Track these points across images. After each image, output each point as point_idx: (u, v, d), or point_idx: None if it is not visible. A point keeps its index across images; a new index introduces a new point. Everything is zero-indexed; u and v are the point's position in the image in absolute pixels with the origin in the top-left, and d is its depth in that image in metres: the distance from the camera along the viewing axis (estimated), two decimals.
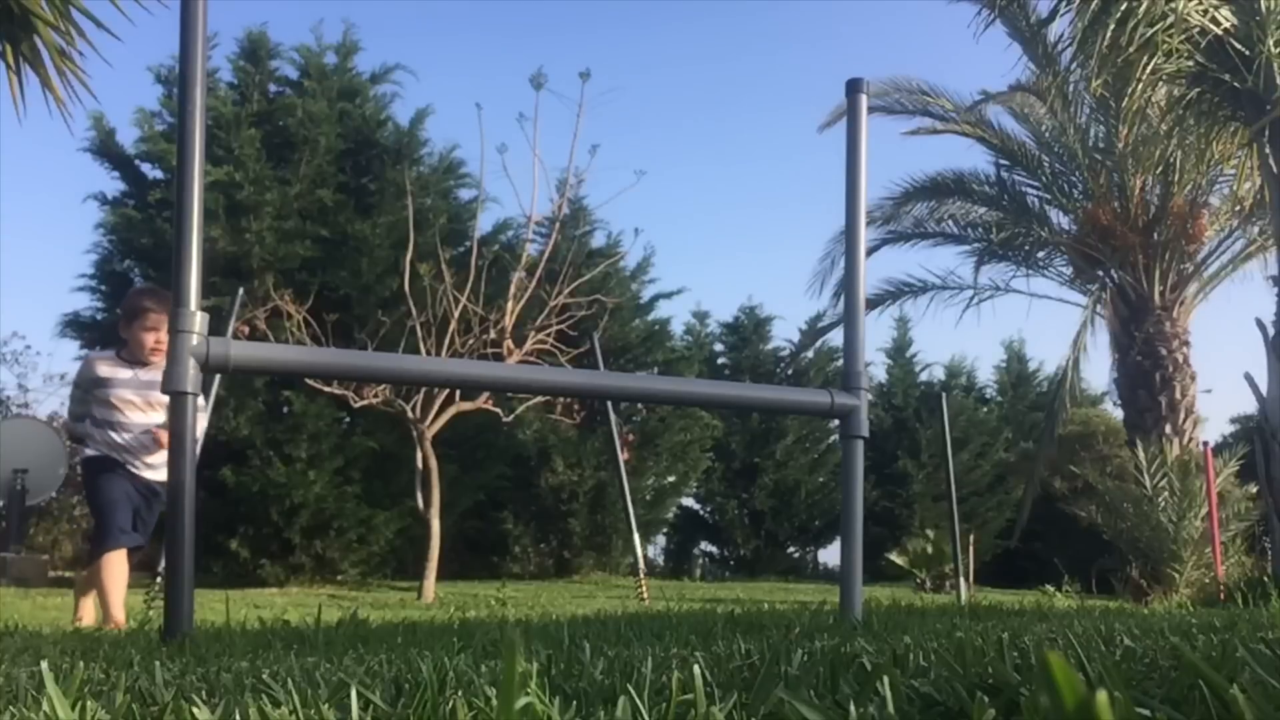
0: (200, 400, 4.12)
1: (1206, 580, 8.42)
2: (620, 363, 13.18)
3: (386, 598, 8.68)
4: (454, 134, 21.86)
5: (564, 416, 11.52)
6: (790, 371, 17.16)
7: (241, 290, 8.50)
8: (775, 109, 37.83)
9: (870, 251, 12.58)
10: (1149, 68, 6.55)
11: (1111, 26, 6.32)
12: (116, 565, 4.22)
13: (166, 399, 4.18)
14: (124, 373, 4.37)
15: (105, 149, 11.63)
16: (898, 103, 12.96)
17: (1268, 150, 6.78)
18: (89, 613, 4.44)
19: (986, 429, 17.87)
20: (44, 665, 1.14)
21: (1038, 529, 14.91)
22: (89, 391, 4.44)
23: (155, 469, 4.37)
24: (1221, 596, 6.37)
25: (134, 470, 4.35)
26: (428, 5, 30.23)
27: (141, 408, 4.38)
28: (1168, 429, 11.77)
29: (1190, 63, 6.59)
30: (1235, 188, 9.22)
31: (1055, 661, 0.51)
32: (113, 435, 4.34)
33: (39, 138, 32.65)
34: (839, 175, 3.02)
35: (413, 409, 9.02)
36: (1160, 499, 9.18)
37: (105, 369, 4.40)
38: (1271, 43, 6.33)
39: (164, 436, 4.19)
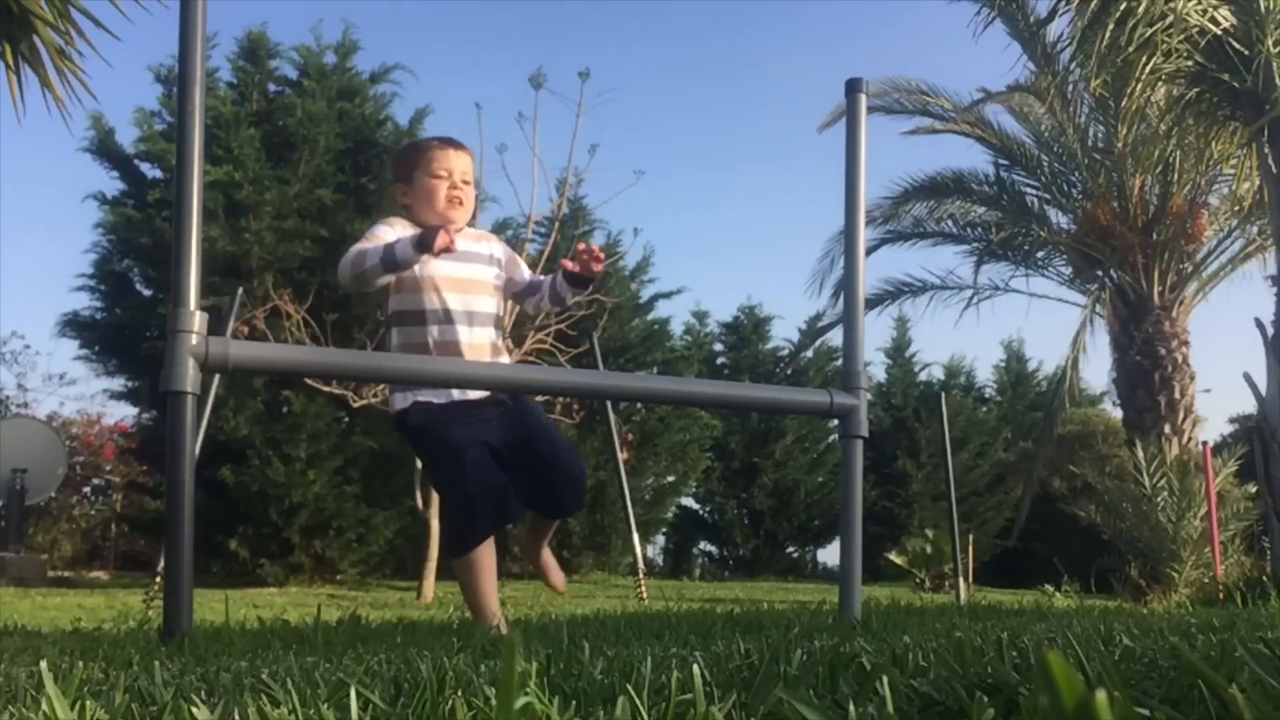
0: None
1: (1205, 580, 8.42)
2: (620, 363, 13.18)
3: (386, 597, 8.68)
4: (454, 133, 21.69)
5: (563, 416, 11.51)
6: (790, 371, 17.16)
7: (241, 290, 8.50)
8: (775, 108, 37.84)
9: (869, 251, 12.56)
10: (1148, 67, 6.55)
11: (1111, 26, 6.32)
12: (474, 566, 2.81)
13: (490, 276, 3.00)
14: (431, 261, 2.92)
15: (104, 149, 11.63)
16: (897, 102, 12.95)
17: (1267, 150, 6.78)
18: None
19: (986, 429, 17.88)
20: (43, 665, 1.14)
21: (1037, 529, 14.92)
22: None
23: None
24: (1220, 596, 6.38)
25: (466, 404, 2.89)
26: (428, 5, 30.23)
27: (462, 286, 2.93)
28: (1167, 429, 11.76)
29: (1189, 63, 6.59)
30: (1234, 187, 9.23)
31: (1055, 661, 0.51)
32: (425, 334, 2.87)
33: (38, 138, 32.66)
34: (838, 175, 3.02)
35: None
36: (1159, 499, 9.17)
37: (405, 231, 2.91)
38: (1271, 42, 6.33)
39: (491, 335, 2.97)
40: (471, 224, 3.11)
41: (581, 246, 2.99)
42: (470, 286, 2.93)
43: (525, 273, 3.14)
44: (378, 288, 2.87)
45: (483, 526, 2.79)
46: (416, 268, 2.85)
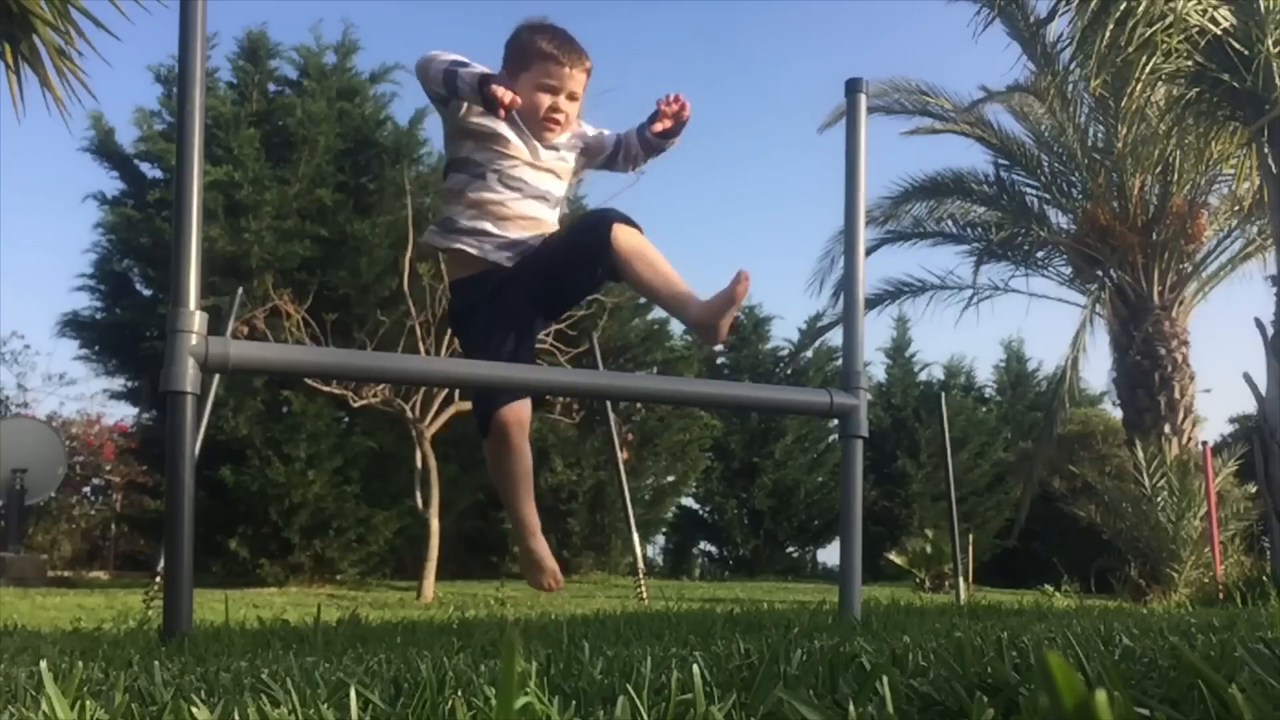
0: None
1: (1205, 580, 8.42)
2: (619, 362, 13.18)
3: (385, 597, 8.69)
4: None
5: (563, 416, 11.52)
6: (790, 371, 17.17)
7: (240, 290, 8.50)
8: (775, 108, 37.86)
9: (869, 251, 12.55)
10: (1148, 67, 6.55)
11: (1110, 26, 6.32)
12: (499, 447, 2.70)
13: (568, 161, 2.87)
14: (508, 129, 2.76)
15: (104, 148, 11.63)
16: (897, 103, 12.95)
17: (1266, 150, 6.78)
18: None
19: (985, 429, 17.88)
20: (43, 665, 1.14)
21: (1037, 529, 14.92)
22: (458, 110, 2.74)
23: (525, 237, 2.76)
24: (1220, 596, 6.38)
25: (500, 271, 2.72)
26: (428, 5, 30.24)
27: (537, 164, 2.79)
28: (1167, 429, 11.76)
29: (1189, 63, 6.59)
30: (1234, 187, 9.24)
31: (1054, 661, 0.51)
32: (484, 188, 2.73)
33: (38, 137, 32.66)
34: (839, 175, 3.02)
35: (412, 408, 9.02)
36: (1159, 499, 9.17)
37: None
38: (1270, 42, 6.33)
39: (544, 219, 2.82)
40: None
41: (663, 102, 2.84)
42: (546, 167, 2.83)
43: (609, 141, 2.97)
44: (431, 92, 2.73)
45: (496, 397, 2.73)
46: (503, 130, 2.75)
